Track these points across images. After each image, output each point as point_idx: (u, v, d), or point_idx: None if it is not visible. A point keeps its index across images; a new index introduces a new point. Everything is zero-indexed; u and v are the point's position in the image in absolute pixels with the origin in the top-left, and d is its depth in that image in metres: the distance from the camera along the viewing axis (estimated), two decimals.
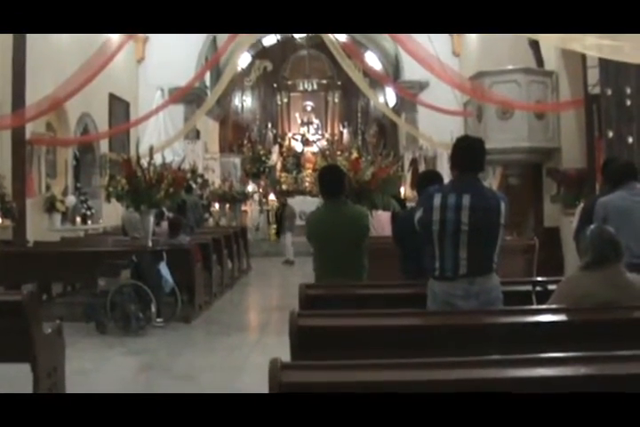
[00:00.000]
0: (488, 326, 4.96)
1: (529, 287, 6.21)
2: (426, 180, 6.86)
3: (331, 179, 7.07)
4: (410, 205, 12.16)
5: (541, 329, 4.88)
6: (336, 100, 33.03)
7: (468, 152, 5.58)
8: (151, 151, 12.46)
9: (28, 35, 14.43)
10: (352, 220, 6.87)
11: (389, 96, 29.77)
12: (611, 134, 10.89)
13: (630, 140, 10.70)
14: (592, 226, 5.51)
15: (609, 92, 10.90)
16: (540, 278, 6.69)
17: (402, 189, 20.12)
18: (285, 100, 33.16)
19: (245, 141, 32.28)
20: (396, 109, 25.83)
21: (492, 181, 16.52)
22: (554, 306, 5.23)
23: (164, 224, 13.63)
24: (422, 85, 23.13)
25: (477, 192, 5.39)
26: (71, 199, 17.76)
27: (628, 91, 10.75)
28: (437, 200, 5.36)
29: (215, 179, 26.16)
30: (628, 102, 10.75)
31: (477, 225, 5.26)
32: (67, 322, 7.89)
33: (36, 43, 15.15)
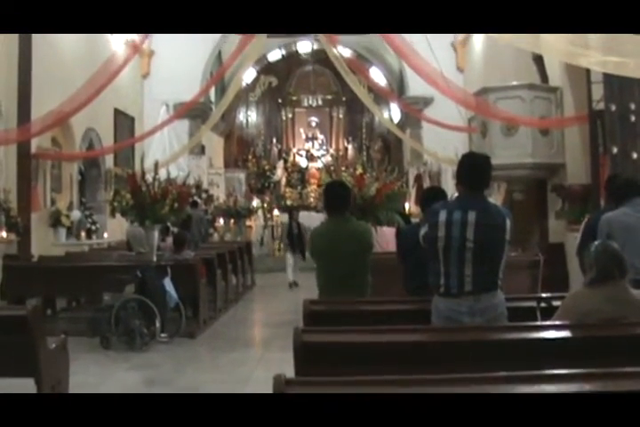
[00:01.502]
0: (492, 342, 4.95)
1: (533, 303, 6.20)
2: (430, 196, 6.87)
3: (336, 195, 7.09)
4: (414, 220, 12.18)
5: (546, 345, 4.87)
6: (341, 116, 33.04)
7: (474, 169, 5.57)
8: (156, 166, 12.47)
9: (33, 49, 14.52)
10: (356, 236, 6.88)
11: (394, 112, 29.79)
12: (615, 150, 10.88)
13: (635, 155, 10.69)
14: (596, 242, 5.51)
15: (613, 107, 10.91)
16: (544, 294, 6.68)
17: (406, 205, 20.10)
18: (290, 115, 33.15)
19: (250, 157, 32.28)
20: (401, 125, 25.84)
21: (496, 196, 16.51)
22: (558, 322, 5.22)
23: (169, 239, 13.65)
24: (427, 101, 23.14)
25: (483, 209, 5.38)
26: (76, 214, 17.76)
27: (633, 106, 10.76)
28: (443, 216, 5.36)
29: (220, 194, 26.18)
30: (633, 118, 10.76)
31: (483, 242, 5.25)
32: (71, 337, 7.90)
33: (42, 57, 15.24)
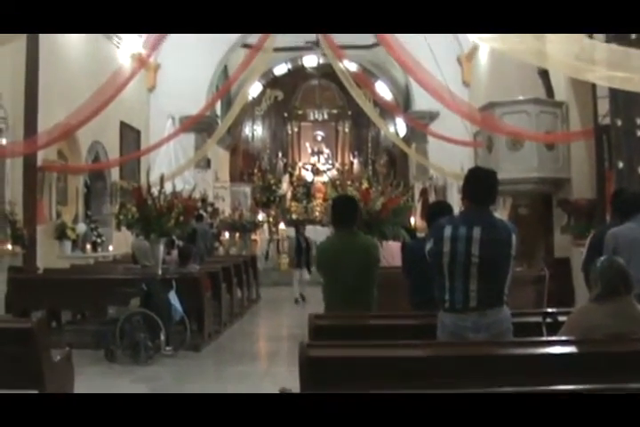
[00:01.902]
0: (498, 357, 4.94)
1: (539, 319, 6.19)
2: (436, 211, 6.87)
3: (344, 209, 7.10)
4: (420, 235, 12.16)
5: (552, 361, 4.86)
6: (346, 130, 33.04)
7: (480, 184, 5.57)
8: (162, 179, 12.48)
9: (40, 62, 14.56)
10: (363, 250, 6.88)
11: (400, 126, 29.80)
12: (621, 165, 10.87)
13: None
14: (602, 257, 5.50)
15: (619, 122, 10.90)
16: (550, 310, 6.66)
17: (412, 220, 20.09)
18: (296, 129, 33.17)
19: (256, 170, 32.30)
20: (407, 139, 25.85)
21: (502, 211, 16.51)
22: (564, 338, 5.21)
23: (174, 253, 13.65)
24: (433, 115, 23.14)
25: (488, 224, 5.38)
26: (81, 227, 17.78)
27: (639, 121, 10.75)
28: (448, 231, 5.35)
29: (225, 208, 26.23)
30: (639, 133, 10.75)
31: (488, 257, 5.24)
32: (76, 349, 7.90)
33: (49, 70, 15.27)
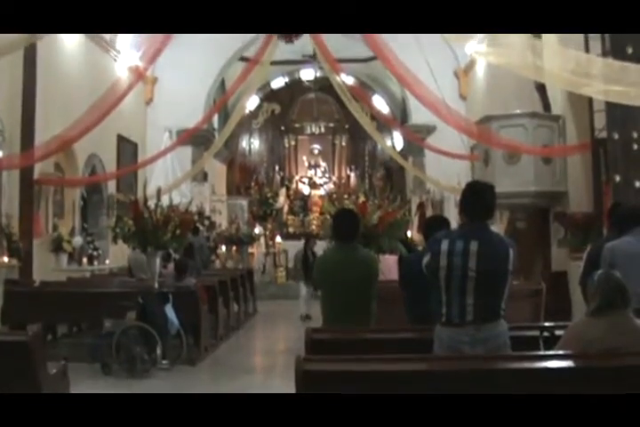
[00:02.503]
0: (495, 371, 4.92)
1: (536, 333, 6.18)
2: (433, 225, 6.90)
3: (346, 223, 7.10)
4: (417, 248, 12.16)
5: (549, 375, 4.84)
6: (343, 144, 33.05)
7: (478, 198, 5.56)
8: (158, 193, 12.48)
9: (37, 75, 14.60)
10: (363, 265, 6.88)
11: (397, 140, 29.84)
12: (618, 179, 10.89)
13: (637, 184, 10.70)
14: (599, 271, 5.49)
15: (616, 136, 10.92)
16: (547, 324, 6.66)
17: (409, 233, 20.07)
18: (293, 142, 33.19)
19: (253, 184, 32.29)
20: (404, 153, 25.84)
21: (498, 225, 16.51)
22: (561, 352, 5.20)
23: (171, 266, 13.63)
24: (429, 129, 23.16)
25: (485, 238, 5.37)
26: (78, 240, 17.76)
27: (635, 135, 10.77)
28: (445, 246, 5.35)
29: (222, 221, 26.21)
30: (635, 147, 10.77)
31: (485, 272, 5.23)
32: (72, 363, 7.87)
33: (46, 83, 15.32)
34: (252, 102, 31.58)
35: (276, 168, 33.23)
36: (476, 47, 13.84)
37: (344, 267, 6.79)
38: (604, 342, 4.98)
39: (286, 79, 32.38)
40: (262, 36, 18.58)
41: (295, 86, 32.72)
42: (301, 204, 32.35)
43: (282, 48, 18.94)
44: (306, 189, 32.75)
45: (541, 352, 5.69)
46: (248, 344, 15.25)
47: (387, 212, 13.19)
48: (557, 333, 5.85)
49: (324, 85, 27.96)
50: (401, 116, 28.35)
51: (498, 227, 15.96)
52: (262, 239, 27.75)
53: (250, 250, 26.19)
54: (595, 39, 11.04)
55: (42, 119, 14.96)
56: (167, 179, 20.59)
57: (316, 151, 33.26)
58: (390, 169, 31.78)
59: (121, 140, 21.29)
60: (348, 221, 7.15)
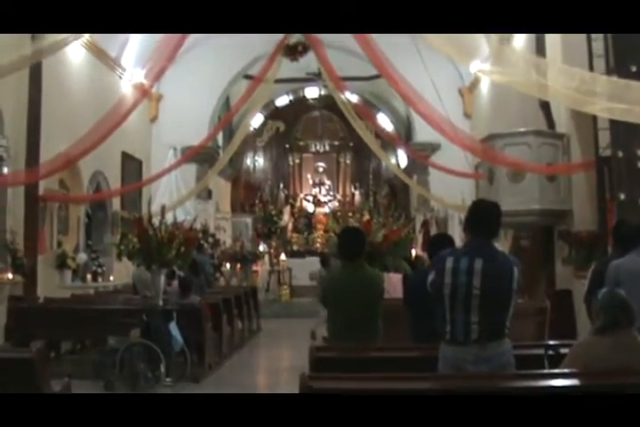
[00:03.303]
0: (500, 390, 4.90)
1: (541, 351, 6.17)
2: (438, 243, 6.90)
3: (352, 242, 7.11)
4: (422, 266, 12.14)
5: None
6: (348, 162, 33.10)
7: (483, 216, 5.57)
8: (163, 210, 12.49)
9: (43, 92, 14.66)
10: (369, 283, 6.88)
11: (401, 157, 29.84)
12: (622, 197, 10.88)
13: None
14: (603, 290, 5.49)
15: (620, 154, 10.92)
16: (552, 342, 6.65)
17: (413, 251, 20.06)
18: (297, 160, 33.24)
19: (257, 201, 32.25)
20: (408, 171, 25.84)
21: (503, 243, 16.49)
22: (566, 370, 5.18)
23: (175, 283, 13.62)
24: (434, 147, 23.20)
25: (490, 257, 5.37)
26: (82, 256, 17.77)
27: (639, 153, 10.78)
28: (450, 263, 5.35)
29: (226, 238, 26.17)
30: (639, 165, 10.77)
31: (489, 290, 5.23)
32: (75, 380, 7.84)
33: (51, 100, 15.37)
34: (257, 120, 31.65)
35: (281, 186, 33.25)
36: (481, 66, 13.92)
37: (350, 285, 6.80)
38: (608, 360, 4.97)
39: (291, 97, 32.44)
40: (267, 54, 18.67)
41: (300, 104, 32.78)
42: (306, 221, 32.38)
43: (286, 66, 19.01)
44: (310, 207, 32.78)
45: (546, 371, 5.68)
46: (252, 362, 15.22)
47: (391, 230, 13.20)
48: (562, 351, 5.83)
49: (328, 103, 27.99)
50: (405, 133, 28.38)
51: (502, 245, 15.94)
52: (266, 257, 27.72)
53: (254, 268, 26.15)
54: (599, 57, 11.07)
55: (47, 136, 14.99)
56: (172, 196, 20.64)
57: (320, 169, 33.30)
58: (394, 187, 31.78)
59: (125, 157, 21.32)
60: (354, 239, 7.15)
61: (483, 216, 5.56)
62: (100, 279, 18.69)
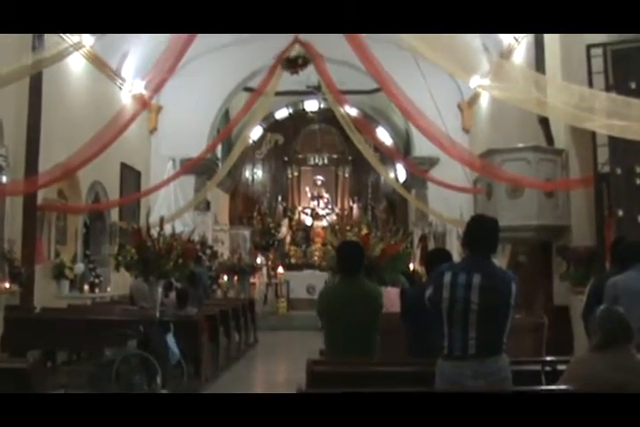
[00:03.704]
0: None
1: (538, 367, 6.16)
2: (435, 258, 6.90)
3: (351, 255, 7.10)
4: (420, 280, 12.14)
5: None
6: (346, 175, 33.08)
7: (481, 232, 5.59)
8: (161, 221, 12.49)
9: (43, 102, 14.70)
10: (368, 298, 6.88)
11: (400, 171, 29.86)
12: (621, 213, 10.90)
13: None
14: (601, 306, 5.49)
15: (618, 170, 10.94)
16: (549, 358, 6.64)
17: (411, 266, 20.05)
18: (296, 173, 33.21)
19: (255, 214, 32.22)
20: (407, 185, 25.87)
21: (501, 258, 16.48)
22: (563, 387, 5.17)
23: (172, 295, 13.60)
24: (433, 161, 23.20)
25: (488, 272, 5.39)
26: (80, 267, 17.75)
27: (638, 169, 10.80)
28: (448, 278, 5.36)
29: (224, 251, 26.16)
30: (638, 181, 10.79)
31: (487, 305, 5.24)
32: (70, 391, 7.84)
33: (51, 111, 15.41)
34: (256, 132, 31.71)
35: (279, 198, 33.23)
36: (480, 81, 13.93)
37: (348, 300, 6.79)
38: (606, 377, 4.96)
39: (290, 110, 32.52)
40: (267, 67, 18.71)
41: (299, 117, 32.84)
42: (304, 235, 32.34)
43: (286, 79, 19.04)
44: (308, 220, 32.73)
45: (544, 387, 5.67)
46: (249, 375, 15.19)
47: (389, 244, 13.20)
48: (560, 367, 5.82)
49: (327, 117, 28.06)
50: (404, 147, 28.39)
51: (500, 260, 15.93)
52: (264, 269, 27.72)
53: (251, 280, 26.12)
54: (598, 74, 11.10)
55: (46, 146, 15.01)
56: (170, 207, 20.66)
57: (318, 182, 33.27)
58: (393, 201, 31.82)
59: (124, 168, 21.33)
60: (353, 253, 7.15)
61: (481, 232, 5.57)
62: (97, 290, 18.67)
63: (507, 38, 17.65)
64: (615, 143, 10.73)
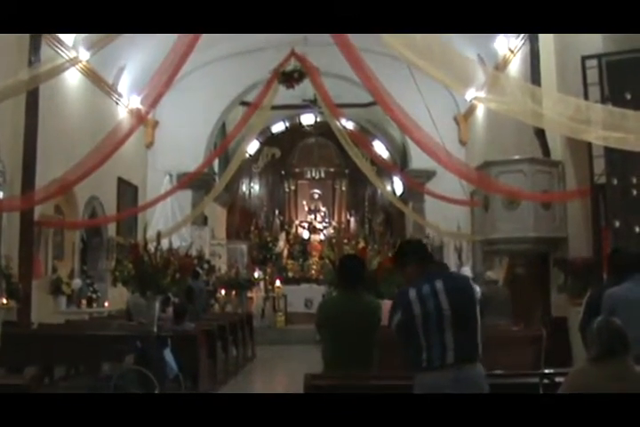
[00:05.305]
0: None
1: (536, 379, 6.15)
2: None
3: (352, 269, 7.12)
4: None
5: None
6: (343, 189, 33.12)
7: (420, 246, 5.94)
8: (158, 236, 12.46)
9: (39, 118, 14.69)
10: (367, 311, 6.87)
11: (397, 185, 29.89)
12: (617, 224, 10.90)
13: (637, 229, 10.70)
14: (599, 318, 5.48)
15: (615, 181, 10.95)
16: (547, 370, 6.62)
17: None
18: (293, 187, 33.27)
19: (252, 228, 32.21)
20: (403, 198, 25.88)
21: (498, 270, 16.49)
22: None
23: (170, 310, 13.58)
24: (429, 174, 23.20)
25: (447, 276, 5.68)
26: (77, 282, 17.74)
27: (634, 181, 10.81)
28: (413, 293, 5.42)
29: (222, 265, 26.13)
30: (635, 192, 10.79)
31: (457, 306, 5.34)
32: None
33: (48, 126, 15.42)
34: (253, 146, 31.72)
35: (276, 212, 33.26)
36: (476, 93, 13.96)
37: (347, 313, 6.79)
38: (604, 389, 4.95)
39: (287, 124, 32.59)
40: (263, 81, 18.73)
41: (295, 131, 32.90)
42: (301, 248, 32.33)
43: (282, 93, 19.06)
44: (305, 234, 32.75)
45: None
46: (247, 389, 15.10)
47: (386, 257, 13.18)
48: (558, 379, 5.81)
49: (324, 130, 28.04)
50: (401, 160, 28.42)
51: (497, 272, 15.92)
52: (262, 284, 27.67)
53: (249, 294, 26.06)
54: (593, 85, 11.12)
55: (43, 161, 15.01)
56: (167, 222, 20.61)
57: (315, 196, 33.31)
58: (390, 214, 31.80)
59: (121, 183, 21.34)
60: (353, 267, 7.16)
61: (419, 248, 5.92)
62: (94, 305, 18.65)
63: (502, 50, 17.70)
64: (611, 154, 10.74)
